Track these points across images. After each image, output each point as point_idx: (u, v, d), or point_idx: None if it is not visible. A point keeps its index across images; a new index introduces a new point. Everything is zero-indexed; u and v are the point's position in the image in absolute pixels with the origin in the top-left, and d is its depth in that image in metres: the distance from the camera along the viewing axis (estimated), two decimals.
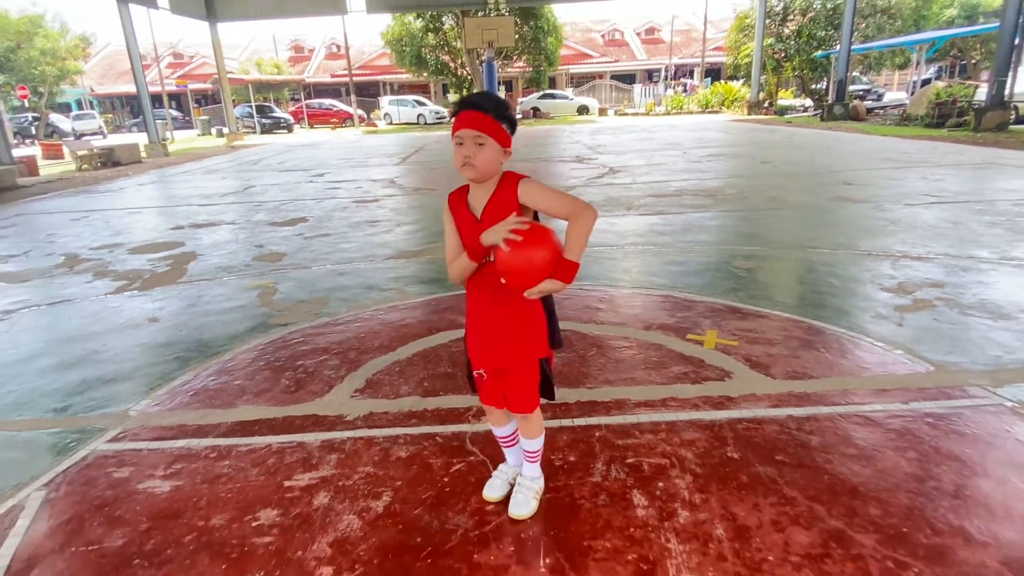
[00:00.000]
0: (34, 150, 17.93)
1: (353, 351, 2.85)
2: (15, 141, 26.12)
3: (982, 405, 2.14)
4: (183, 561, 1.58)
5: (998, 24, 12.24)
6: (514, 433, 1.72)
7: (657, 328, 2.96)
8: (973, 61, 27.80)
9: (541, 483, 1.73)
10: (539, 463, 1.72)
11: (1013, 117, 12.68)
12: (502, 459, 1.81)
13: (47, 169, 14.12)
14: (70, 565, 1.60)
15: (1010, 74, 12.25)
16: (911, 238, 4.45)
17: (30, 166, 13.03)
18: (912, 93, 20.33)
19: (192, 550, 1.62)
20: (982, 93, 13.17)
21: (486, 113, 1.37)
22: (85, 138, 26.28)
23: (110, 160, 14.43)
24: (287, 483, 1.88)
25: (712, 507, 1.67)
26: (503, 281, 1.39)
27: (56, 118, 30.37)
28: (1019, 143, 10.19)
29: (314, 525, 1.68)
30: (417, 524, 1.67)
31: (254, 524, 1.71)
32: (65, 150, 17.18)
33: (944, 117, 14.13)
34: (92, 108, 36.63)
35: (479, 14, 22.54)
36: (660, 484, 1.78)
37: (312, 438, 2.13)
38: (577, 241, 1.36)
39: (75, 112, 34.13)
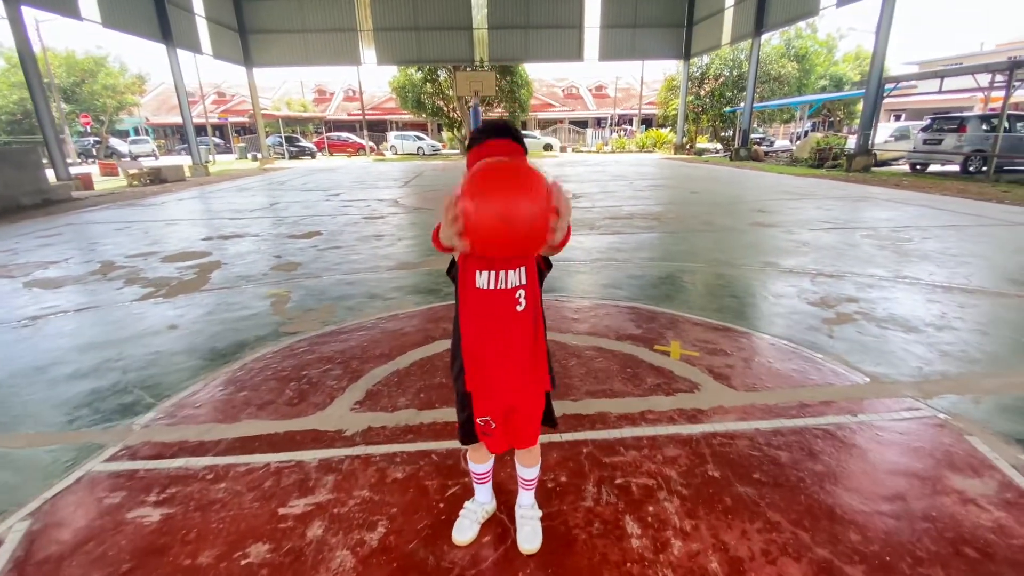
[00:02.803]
0: (92, 168, 16.52)
1: (355, 360, 2.41)
2: (79, 160, 24.24)
3: (920, 417, 1.86)
4: None
5: (863, 91, 12.39)
6: (491, 469, 1.34)
7: (627, 339, 2.61)
8: (838, 118, 28.65)
9: (540, 511, 1.36)
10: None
11: (875, 161, 12.89)
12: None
13: (102, 184, 12.95)
14: None
15: (872, 128, 12.43)
16: (821, 258, 4.23)
17: (85, 181, 11.91)
18: (794, 142, 20.72)
19: None
20: (852, 142, 13.34)
21: (514, 140, 1.08)
22: (140, 159, 24.53)
23: (158, 178, 13.35)
24: (281, 511, 1.45)
25: (703, 535, 1.33)
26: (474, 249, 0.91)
27: (115, 142, 28.35)
28: (881, 181, 10.29)
29: (305, 563, 1.27)
30: (411, 561, 1.27)
31: (243, 562, 1.28)
32: (120, 169, 15.89)
33: (823, 160, 14.31)
34: (147, 135, 34.43)
35: (468, 69, 21.96)
36: (650, 508, 1.42)
37: (310, 456, 1.70)
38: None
39: (132, 137, 31.97)
